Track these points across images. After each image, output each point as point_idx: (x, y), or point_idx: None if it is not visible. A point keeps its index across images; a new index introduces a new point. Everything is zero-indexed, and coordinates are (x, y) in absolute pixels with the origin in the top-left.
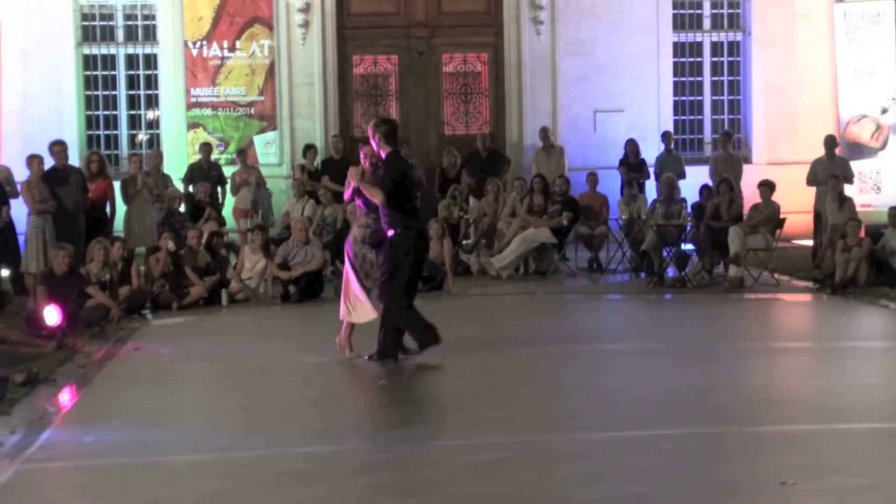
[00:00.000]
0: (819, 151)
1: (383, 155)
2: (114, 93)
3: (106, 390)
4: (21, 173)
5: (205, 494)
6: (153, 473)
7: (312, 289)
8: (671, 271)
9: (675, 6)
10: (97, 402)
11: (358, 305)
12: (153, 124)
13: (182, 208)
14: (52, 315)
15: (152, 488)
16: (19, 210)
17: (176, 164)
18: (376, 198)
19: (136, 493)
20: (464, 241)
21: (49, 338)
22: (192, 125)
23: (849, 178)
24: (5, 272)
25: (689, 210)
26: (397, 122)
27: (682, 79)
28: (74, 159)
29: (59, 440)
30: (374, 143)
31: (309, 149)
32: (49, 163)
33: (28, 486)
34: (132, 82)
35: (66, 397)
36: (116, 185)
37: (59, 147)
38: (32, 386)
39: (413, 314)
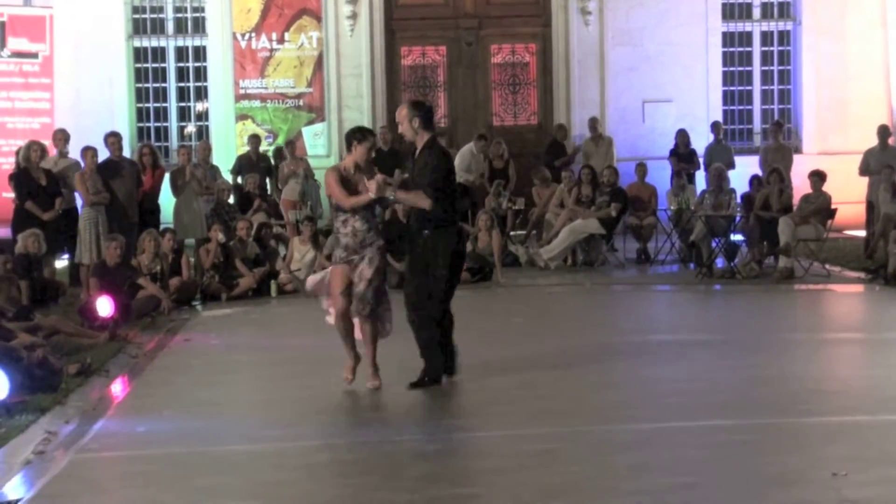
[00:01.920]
0: (871, 141)
1: (420, 143)
2: (164, 85)
3: (157, 381)
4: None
5: (255, 484)
6: (204, 463)
7: None
8: (720, 262)
9: None
10: (149, 393)
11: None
12: (202, 116)
13: (231, 200)
14: (104, 306)
15: (203, 478)
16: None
17: (224, 155)
18: (423, 204)
19: (187, 483)
20: (511, 233)
21: (102, 329)
22: (241, 117)
23: None
24: (62, 263)
25: (738, 200)
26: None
27: (732, 68)
28: (127, 151)
29: (112, 430)
30: (406, 129)
31: None
32: (103, 155)
33: (82, 475)
34: (182, 74)
35: (118, 387)
36: (166, 177)
37: (113, 138)
38: (86, 376)
39: (435, 335)
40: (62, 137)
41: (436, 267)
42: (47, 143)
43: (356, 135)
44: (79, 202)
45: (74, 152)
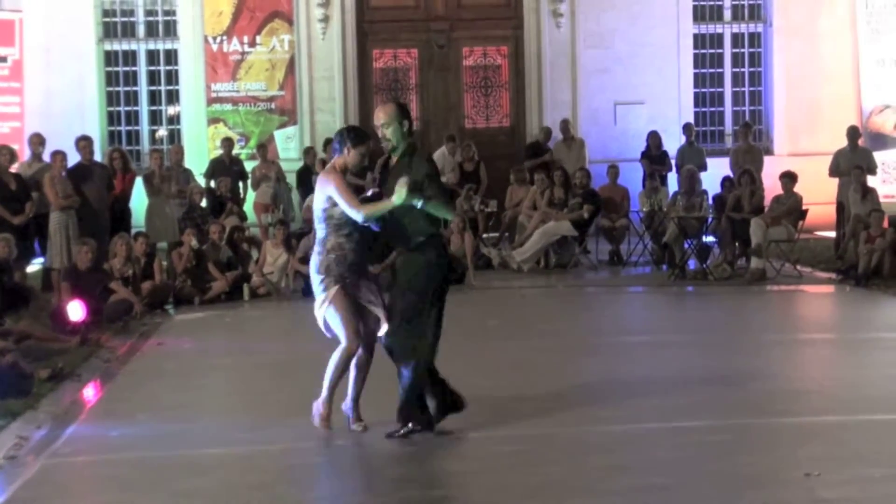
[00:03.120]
0: (841, 142)
1: (399, 141)
2: (135, 89)
3: (130, 385)
4: None
5: (229, 487)
6: (178, 467)
7: None
8: (692, 263)
9: None
10: (121, 397)
11: None
12: (174, 120)
13: (203, 203)
14: (75, 311)
15: (177, 481)
16: None
17: (197, 159)
18: (447, 213)
19: (161, 486)
20: (484, 235)
21: (73, 333)
22: (213, 120)
23: (872, 168)
24: (34, 267)
25: (710, 202)
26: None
27: (703, 70)
28: (98, 155)
29: (85, 434)
30: (394, 131)
31: (329, 143)
32: (73, 159)
33: (54, 479)
34: (153, 78)
35: (90, 392)
36: (138, 180)
37: (84, 142)
38: (57, 381)
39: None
40: (38, 141)
41: (415, 288)
42: (17, 147)
43: (350, 135)
44: None
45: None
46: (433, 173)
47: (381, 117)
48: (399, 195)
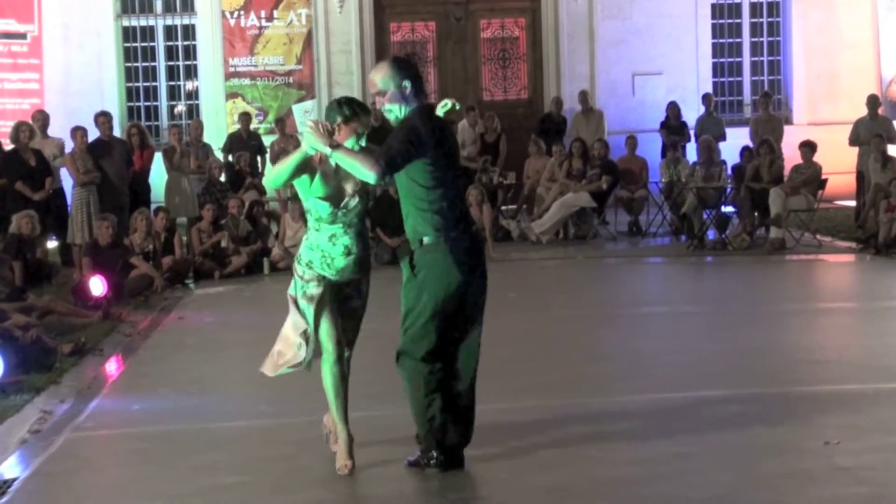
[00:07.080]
0: (860, 111)
1: (403, 110)
2: (153, 64)
3: (151, 359)
4: (67, 146)
5: (250, 460)
6: (199, 440)
7: None
8: (711, 234)
9: None
10: (143, 371)
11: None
12: (192, 95)
13: (222, 178)
14: (97, 286)
15: (199, 454)
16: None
17: (215, 134)
18: (366, 173)
19: (183, 459)
20: (503, 207)
21: (95, 308)
22: (231, 95)
23: (892, 137)
24: (52, 244)
25: (729, 172)
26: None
27: (721, 40)
28: (117, 131)
29: (107, 408)
30: (391, 98)
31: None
32: (93, 135)
33: (78, 453)
34: (171, 53)
35: (112, 366)
36: (157, 156)
37: (103, 118)
38: (80, 356)
39: (433, 397)
40: (39, 118)
41: (416, 302)
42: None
43: (342, 109)
44: (66, 183)
45: (55, 132)
46: (413, 128)
47: (377, 82)
48: (307, 138)
